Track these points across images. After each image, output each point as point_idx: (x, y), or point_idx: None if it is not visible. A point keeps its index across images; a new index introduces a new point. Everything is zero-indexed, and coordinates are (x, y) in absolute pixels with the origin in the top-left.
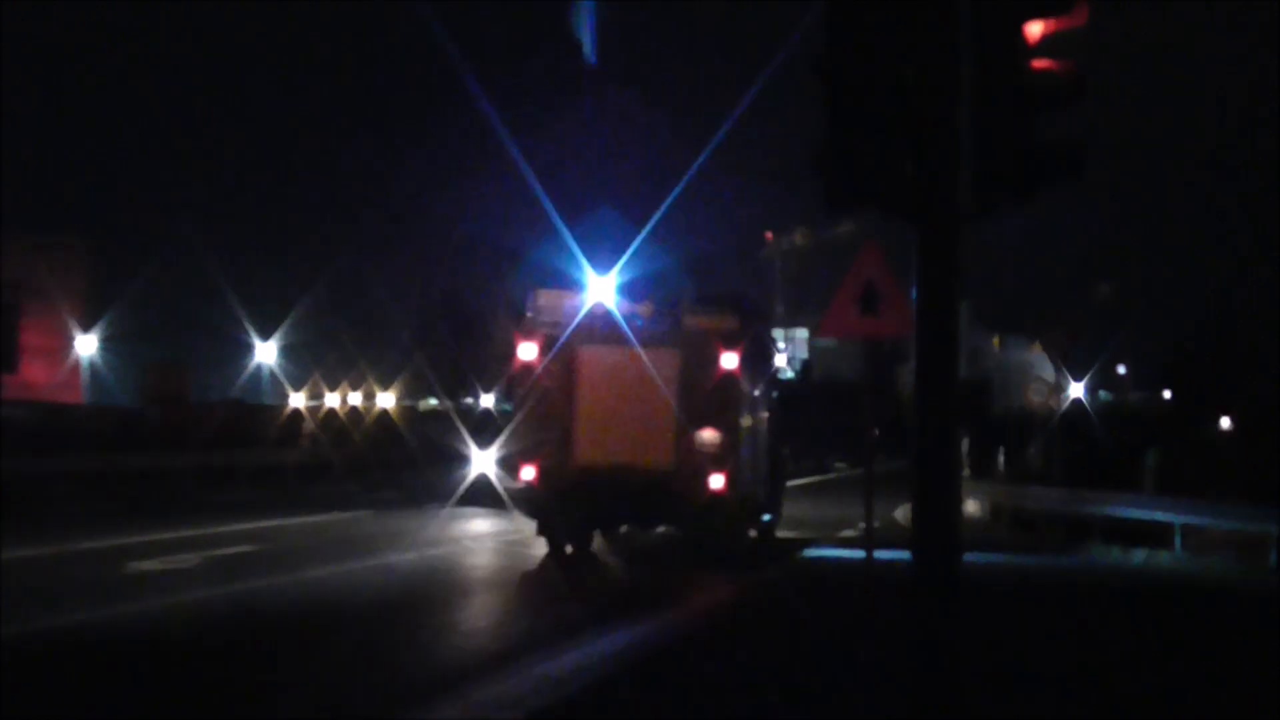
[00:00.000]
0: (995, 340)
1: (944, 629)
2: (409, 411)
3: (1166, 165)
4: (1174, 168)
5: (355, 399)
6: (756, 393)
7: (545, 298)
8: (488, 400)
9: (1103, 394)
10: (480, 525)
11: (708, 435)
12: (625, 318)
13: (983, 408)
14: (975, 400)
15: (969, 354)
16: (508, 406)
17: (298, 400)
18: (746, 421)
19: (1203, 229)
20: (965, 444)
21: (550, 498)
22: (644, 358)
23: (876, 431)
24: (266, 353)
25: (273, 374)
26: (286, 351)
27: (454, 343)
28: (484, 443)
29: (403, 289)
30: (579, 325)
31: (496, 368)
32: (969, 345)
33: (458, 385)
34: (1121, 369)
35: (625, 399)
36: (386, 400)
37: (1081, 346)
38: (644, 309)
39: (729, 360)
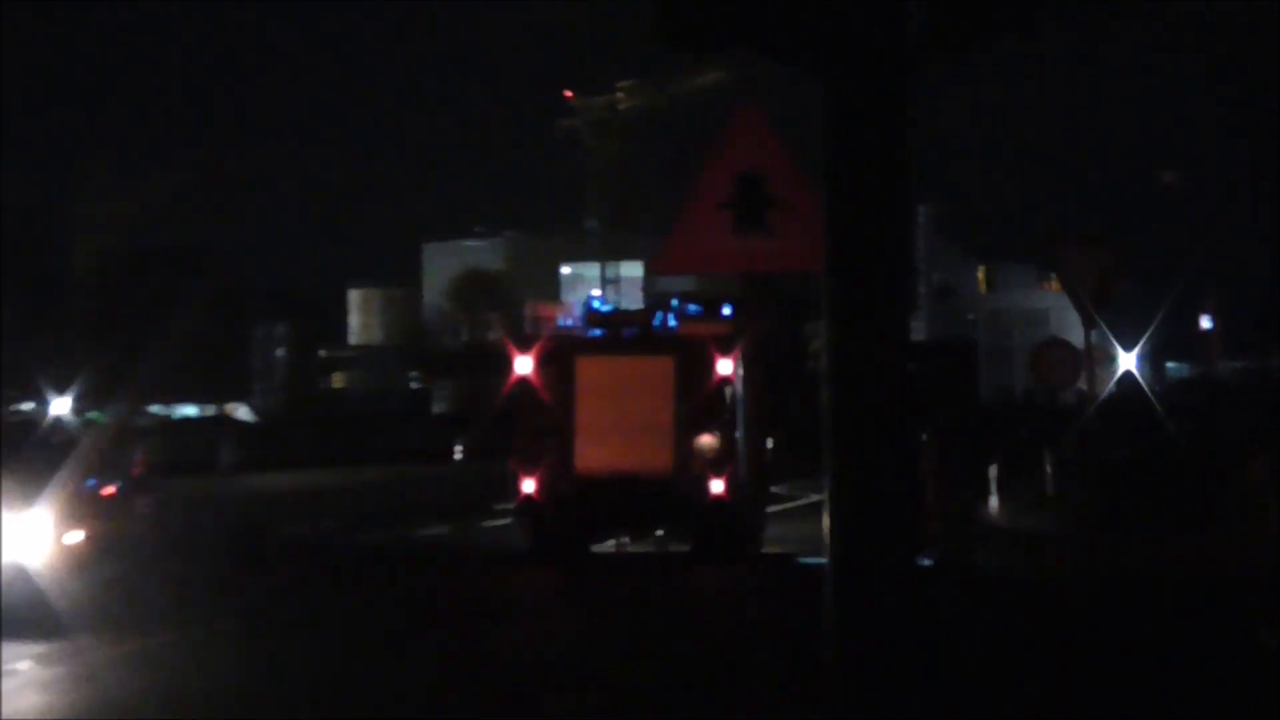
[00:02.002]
0: (980, 275)
1: None
2: None
3: None
4: None
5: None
6: (756, 395)
7: (541, 309)
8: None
9: (1172, 365)
10: None
11: (706, 440)
12: (619, 323)
13: (961, 392)
14: (947, 379)
15: (932, 297)
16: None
17: None
18: (743, 425)
19: None
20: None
21: (550, 510)
22: (640, 365)
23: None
24: None
25: None
26: None
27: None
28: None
29: None
30: (574, 335)
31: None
32: (934, 281)
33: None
34: (1206, 321)
35: (623, 407)
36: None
37: (1132, 284)
38: (638, 315)
39: (724, 366)
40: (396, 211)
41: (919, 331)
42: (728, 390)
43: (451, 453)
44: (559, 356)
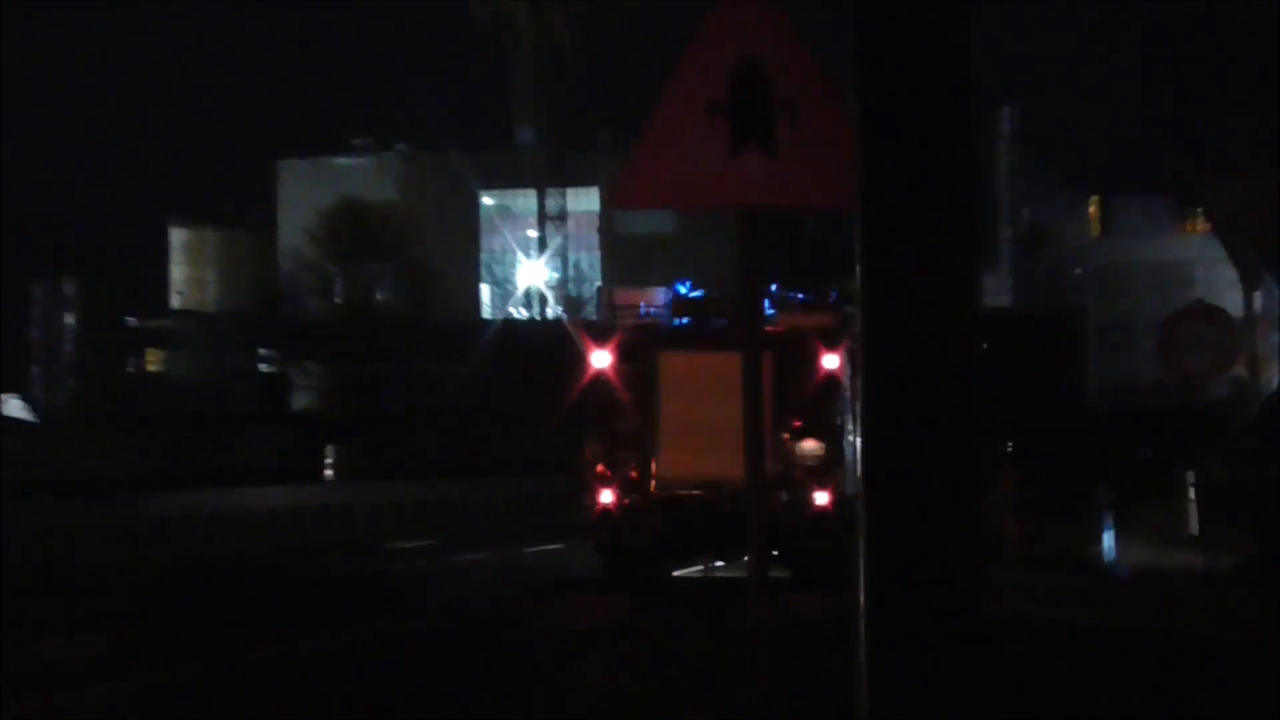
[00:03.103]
0: (1091, 212)
1: None
2: None
3: None
4: None
5: None
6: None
7: (620, 296)
8: None
9: None
10: None
11: (809, 446)
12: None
13: (1058, 385)
14: (1038, 367)
15: (1019, 244)
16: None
17: None
18: (852, 430)
19: None
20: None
21: (628, 526)
22: (732, 361)
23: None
24: None
25: None
26: None
27: None
28: None
29: None
30: (657, 326)
31: None
32: (1021, 222)
33: None
34: None
35: (712, 408)
36: None
37: None
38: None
39: (830, 361)
40: (246, 125)
41: (996, 294)
42: (834, 389)
43: (320, 469)
44: (640, 351)
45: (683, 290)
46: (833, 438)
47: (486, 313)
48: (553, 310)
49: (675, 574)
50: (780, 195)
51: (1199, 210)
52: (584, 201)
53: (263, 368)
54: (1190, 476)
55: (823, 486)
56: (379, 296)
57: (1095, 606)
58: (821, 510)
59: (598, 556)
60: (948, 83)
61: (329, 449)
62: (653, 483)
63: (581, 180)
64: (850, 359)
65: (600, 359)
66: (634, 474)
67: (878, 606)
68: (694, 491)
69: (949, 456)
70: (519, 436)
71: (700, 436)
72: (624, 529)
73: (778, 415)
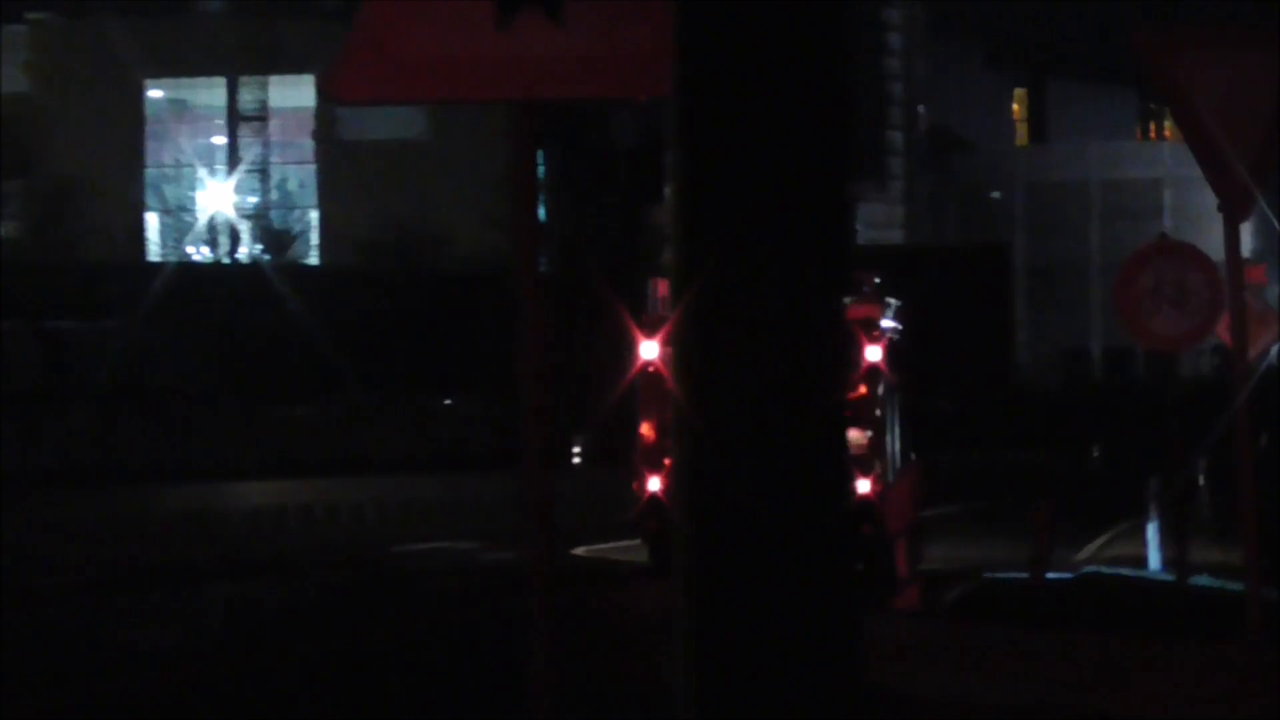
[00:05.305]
0: (1016, 110)
1: None
2: None
3: None
4: None
5: None
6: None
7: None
8: None
9: None
10: None
11: (853, 435)
12: None
13: (977, 356)
14: (944, 329)
15: (918, 155)
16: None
17: None
18: (894, 423)
19: None
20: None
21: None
22: None
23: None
24: None
25: None
26: None
27: None
28: None
29: None
30: None
31: None
32: (921, 122)
33: None
34: None
35: None
36: None
37: None
38: None
39: (872, 353)
40: None
41: (883, 226)
42: (876, 381)
43: None
44: None
45: None
46: (876, 428)
47: (154, 252)
48: (248, 250)
49: None
50: (570, 83)
51: (1165, 107)
52: (293, 95)
53: None
54: (1154, 487)
55: (865, 475)
56: (0, 227)
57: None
58: (865, 498)
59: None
60: None
61: None
62: None
63: (290, 65)
64: (890, 351)
65: (649, 350)
66: None
67: (700, 608)
68: None
69: (810, 456)
70: (193, 423)
71: None
72: (671, 517)
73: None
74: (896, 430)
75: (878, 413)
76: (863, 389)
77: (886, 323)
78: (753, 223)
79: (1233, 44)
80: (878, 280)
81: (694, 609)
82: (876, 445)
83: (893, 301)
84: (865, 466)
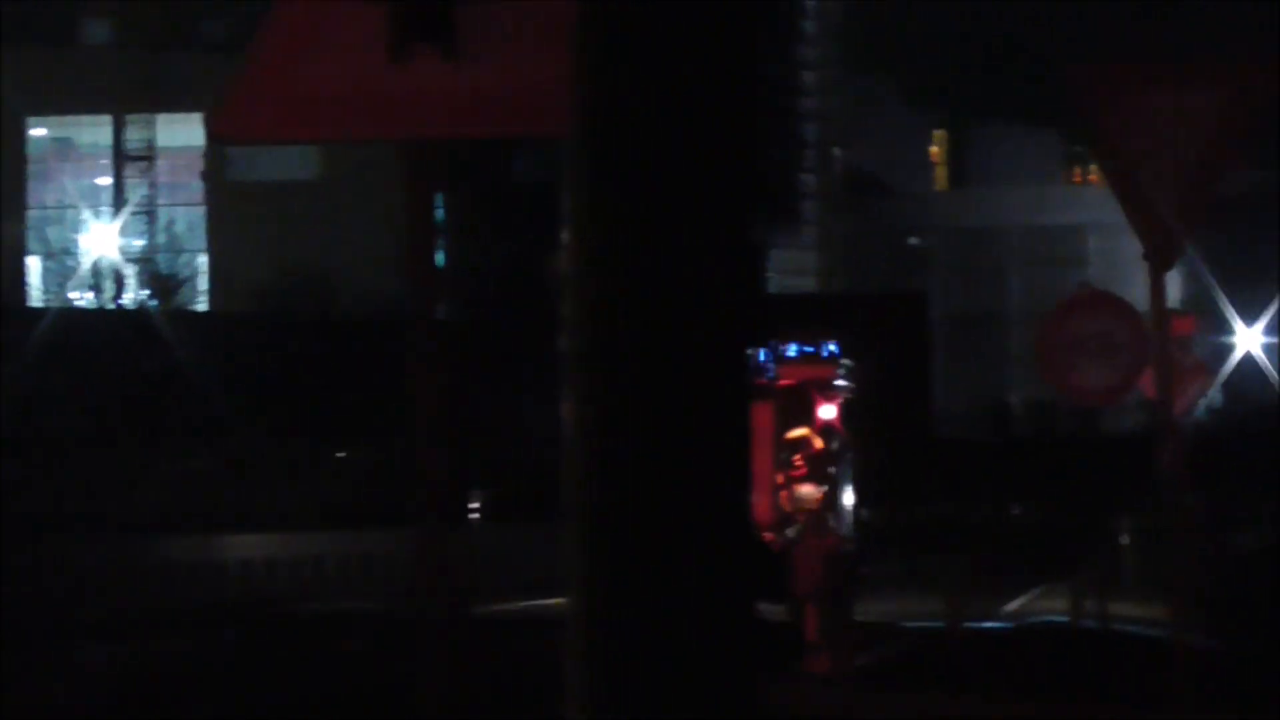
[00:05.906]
0: (934, 151)
1: None
2: None
3: None
4: None
5: None
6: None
7: None
8: None
9: None
10: None
11: (808, 490)
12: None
13: (888, 412)
14: (857, 383)
15: (829, 200)
16: None
17: None
18: (848, 478)
19: None
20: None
21: None
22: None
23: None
24: None
25: None
26: None
27: None
28: None
29: None
30: None
31: None
32: (835, 165)
33: None
34: None
35: None
36: None
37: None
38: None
39: (827, 411)
40: None
41: (796, 274)
42: (831, 438)
43: None
44: None
45: None
46: (831, 484)
47: (36, 297)
48: (134, 295)
49: None
50: (465, 119)
51: (1091, 149)
52: (181, 134)
53: None
54: (1079, 543)
55: (819, 530)
56: None
57: None
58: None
59: None
60: None
61: None
62: None
63: (179, 102)
64: (845, 410)
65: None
66: None
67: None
68: None
69: (712, 519)
70: (77, 472)
71: None
72: None
73: (779, 461)
74: (850, 487)
75: (832, 470)
76: (818, 445)
77: (841, 382)
78: (652, 265)
79: (1165, 84)
80: (834, 346)
81: (584, 611)
82: (830, 501)
83: (847, 362)
84: (818, 522)
